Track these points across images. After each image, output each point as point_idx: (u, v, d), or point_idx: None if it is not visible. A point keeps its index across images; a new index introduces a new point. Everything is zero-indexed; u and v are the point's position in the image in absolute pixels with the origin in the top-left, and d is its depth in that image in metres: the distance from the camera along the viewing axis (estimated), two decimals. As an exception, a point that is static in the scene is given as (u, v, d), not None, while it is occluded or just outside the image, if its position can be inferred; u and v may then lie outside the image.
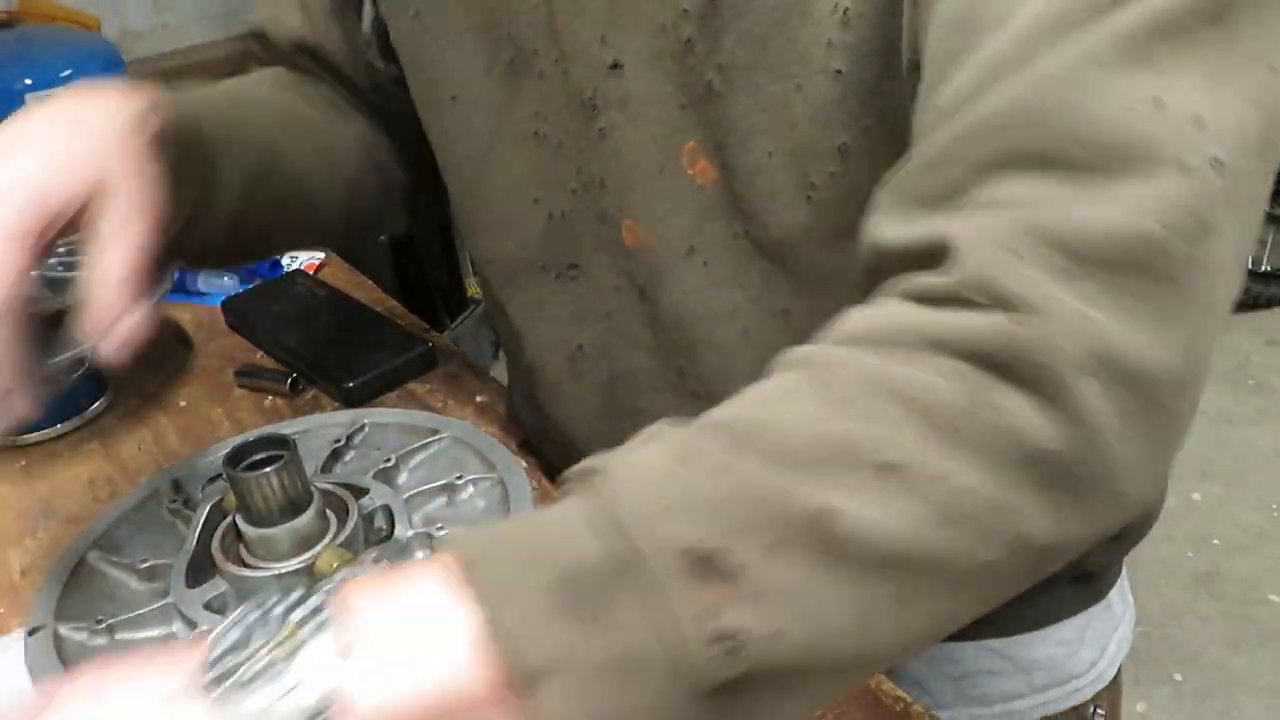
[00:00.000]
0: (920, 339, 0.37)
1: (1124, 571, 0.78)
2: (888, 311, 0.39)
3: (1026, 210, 0.36)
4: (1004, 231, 0.36)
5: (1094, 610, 0.74)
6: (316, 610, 0.37)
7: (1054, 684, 0.74)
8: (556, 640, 0.34)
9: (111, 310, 0.53)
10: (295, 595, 0.38)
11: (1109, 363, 0.35)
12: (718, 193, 0.58)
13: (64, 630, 0.62)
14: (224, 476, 0.64)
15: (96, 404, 0.97)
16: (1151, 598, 2.09)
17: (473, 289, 2.93)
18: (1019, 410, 0.35)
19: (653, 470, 0.37)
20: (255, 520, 0.62)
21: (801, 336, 0.42)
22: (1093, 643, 0.74)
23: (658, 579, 0.34)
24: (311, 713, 0.34)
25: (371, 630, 0.36)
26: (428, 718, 0.35)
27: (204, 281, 1.17)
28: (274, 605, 0.38)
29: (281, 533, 0.62)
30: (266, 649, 0.36)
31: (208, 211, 0.64)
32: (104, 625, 0.62)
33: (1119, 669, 0.79)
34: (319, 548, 0.63)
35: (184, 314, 1.15)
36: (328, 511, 0.66)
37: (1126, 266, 0.35)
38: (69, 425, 0.95)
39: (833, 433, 0.36)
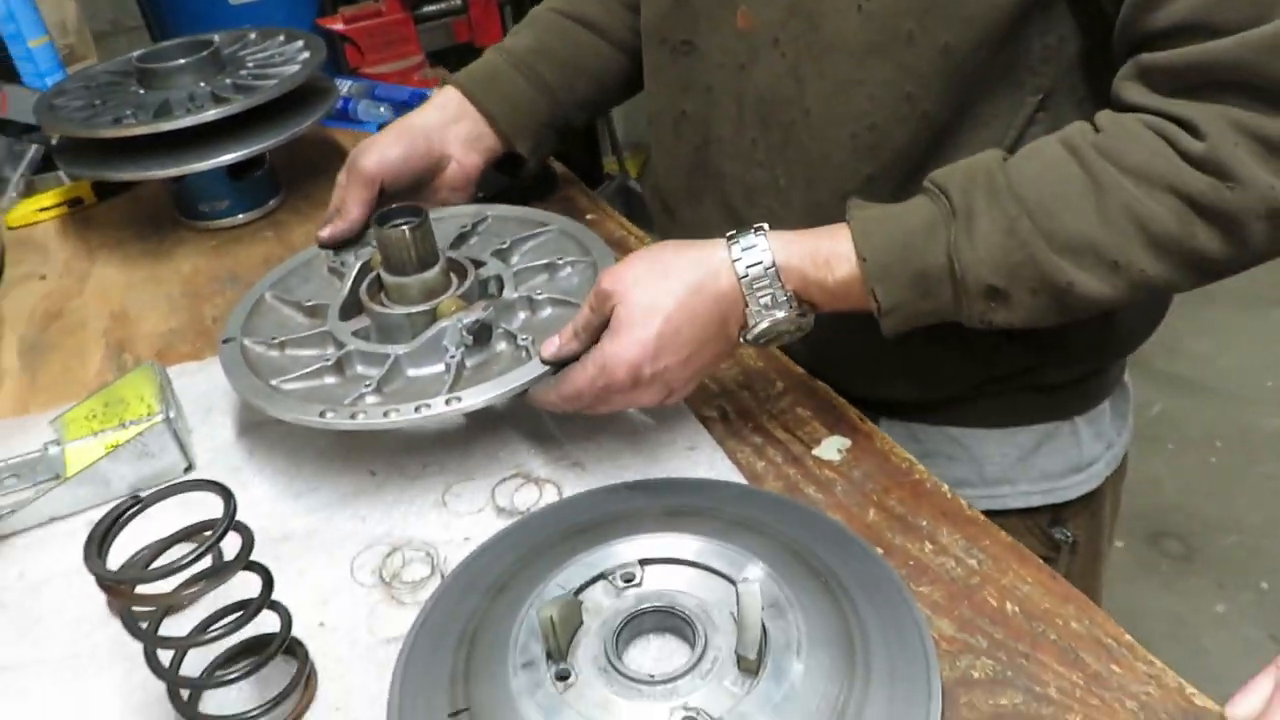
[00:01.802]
0: (1164, 183, 0.59)
1: (1107, 416, 0.84)
2: (1154, 151, 0.59)
3: (1246, 117, 0.57)
4: (1231, 125, 0.57)
5: (1052, 427, 0.82)
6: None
7: (1004, 481, 0.83)
8: (904, 300, 0.63)
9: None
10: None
11: (1275, 215, 0.57)
12: None
13: (248, 342, 0.78)
14: (371, 234, 0.79)
15: (272, 200, 1.15)
16: (1251, 509, 2.09)
17: (610, 165, 3.04)
18: (1209, 241, 0.59)
19: (986, 234, 0.61)
20: (393, 270, 0.77)
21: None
22: (1049, 457, 0.82)
23: (968, 294, 0.62)
24: (768, 266, 0.64)
25: (804, 280, 0.65)
26: (810, 289, 0.65)
27: (363, 111, 1.32)
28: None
29: (413, 282, 0.77)
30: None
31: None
32: (276, 342, 0.78)
33: (1101, 507, 0.87)
34: (442, 297, 0.77)
35: (346, 137, 1.31)
36: (451, 274, 0.80)
37: None
38: (250, 215, 1.13)
39: (1090, 235, 0.60)
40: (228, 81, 1.06)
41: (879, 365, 0.79)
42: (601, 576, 0.60)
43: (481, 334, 0.74)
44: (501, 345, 0.75)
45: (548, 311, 0.78)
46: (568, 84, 0.95)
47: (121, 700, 0.58)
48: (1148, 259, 0.60)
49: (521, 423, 0.76)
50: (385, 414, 0.67)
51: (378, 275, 0.80)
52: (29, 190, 1.27)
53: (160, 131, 0.99)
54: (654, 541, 0.61)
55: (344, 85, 1.35)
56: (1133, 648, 0.55)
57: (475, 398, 0.68)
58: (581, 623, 0.57)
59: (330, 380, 0.74)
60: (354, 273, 0.82)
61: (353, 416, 0.68)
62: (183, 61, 1.08)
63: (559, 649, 0.55)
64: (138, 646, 0.54)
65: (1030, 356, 0.77)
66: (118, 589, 0.49)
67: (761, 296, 0.65)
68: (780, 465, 0.70)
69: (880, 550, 0.62)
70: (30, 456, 0.78)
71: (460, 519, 0.68)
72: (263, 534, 0.62)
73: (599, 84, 0.97)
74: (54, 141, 1.17)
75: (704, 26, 0.77)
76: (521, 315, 0.78)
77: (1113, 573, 2.05)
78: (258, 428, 0.79)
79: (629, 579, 0.59)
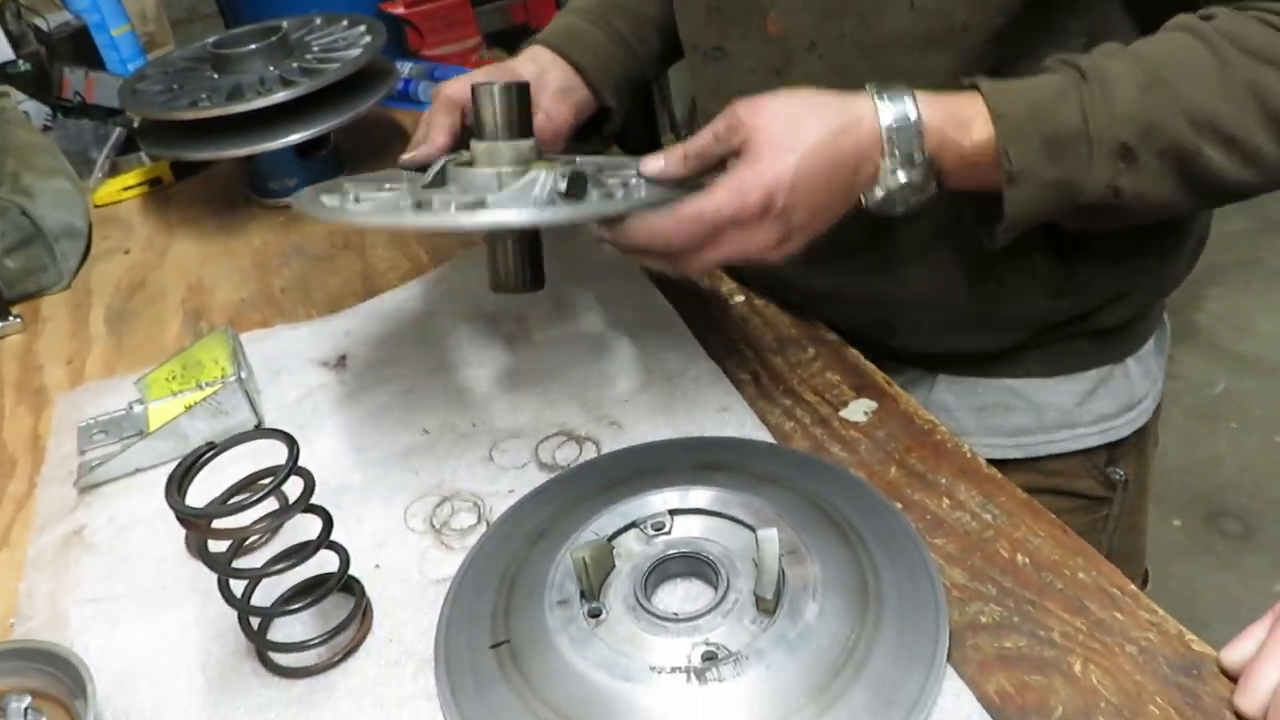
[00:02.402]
0: (1271, 54, 0.60)
1: (1152, 354, 0.87)
2: (1271, 38, 0.61)
3: None
4: None
5: (1106, 371, 0.84)
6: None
7: (1063, 426, 0.85)
8: (1033, 165, 0.62)
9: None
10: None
11: None
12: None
13: (324, 198, 0.69)
14: (471, 96, 0.71)
15: (340, 177, 1.21)
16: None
17: (668, 143, 3.07)
18: None
19: (1121, 91, 0.61)
20: (484, 135, 0.69)
21: None
22: (1104, 399, 0.85)
23: (1101, 154, 0.62)
24: (913, 119, 0.62)
25: (940, 140, 0.63)
26: (945, 151, 0.63)
27: (423, 92, 1.38)
28: None
29: (505, 147, 0.69)
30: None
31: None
32: (351, 195, 0.69)
33: (1148, 443, 0.89)
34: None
35: (406, 118, 1.37)
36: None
37: None
38: (316, 193, 1.19)
39: (1215, 110, 0.61)
40: (295, 65, 1.12)
41: (943, 317, 0.82)
42: (633, 525, 0.64)
43: (576, 184, 0.67)
44: (594, 197, 0.68)
45: (644, 191, 0.69)
46: (640, 35, 0.95)
47: (199, 630, 0.65)
48: (1264, 135, 0.61)
49: (567, 385, 0.81)
50: (462, 208, 0.63)
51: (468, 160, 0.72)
52: (114, 171, 1.35)
53: (232, 114, 1.05)
54: (683, 494, 0.65)
55: (404, 67, 1.41)
56: (1136, 596, 0.58)
57: (561, 213, 0.64)
58: (614, 566, 0.62)
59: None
60: (439, 164, 0.73)
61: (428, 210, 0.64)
62: (253, 47, 1.14)
63: (591, 589, 0.59)
64: (213, 583, 0.60)
65: (1087, 300, 0.80)
66: (194, 523, 0.55)
67: (899, 152, 0.63)
68: (808, 426, 0.74)
69: (899, 505, 0.65)
70: (117, 414, 0.85)
71: (506, 473, 0.73)
72: (324, 485, 0.67)
73: (667, 35, 0.96)
74: (136, 124, 1.25)
75: (734, 33, 0.79)
76: (619, 190, 0.70)
77: (1169, 551, 2.05)
78: (323, 388, 0.85)
79: (659, 527, 0.64)
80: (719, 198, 0.62)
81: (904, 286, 0.80)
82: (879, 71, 0.70)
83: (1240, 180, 0.63)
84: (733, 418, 0.75)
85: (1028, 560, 0.61)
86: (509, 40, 1.81)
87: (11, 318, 1.04)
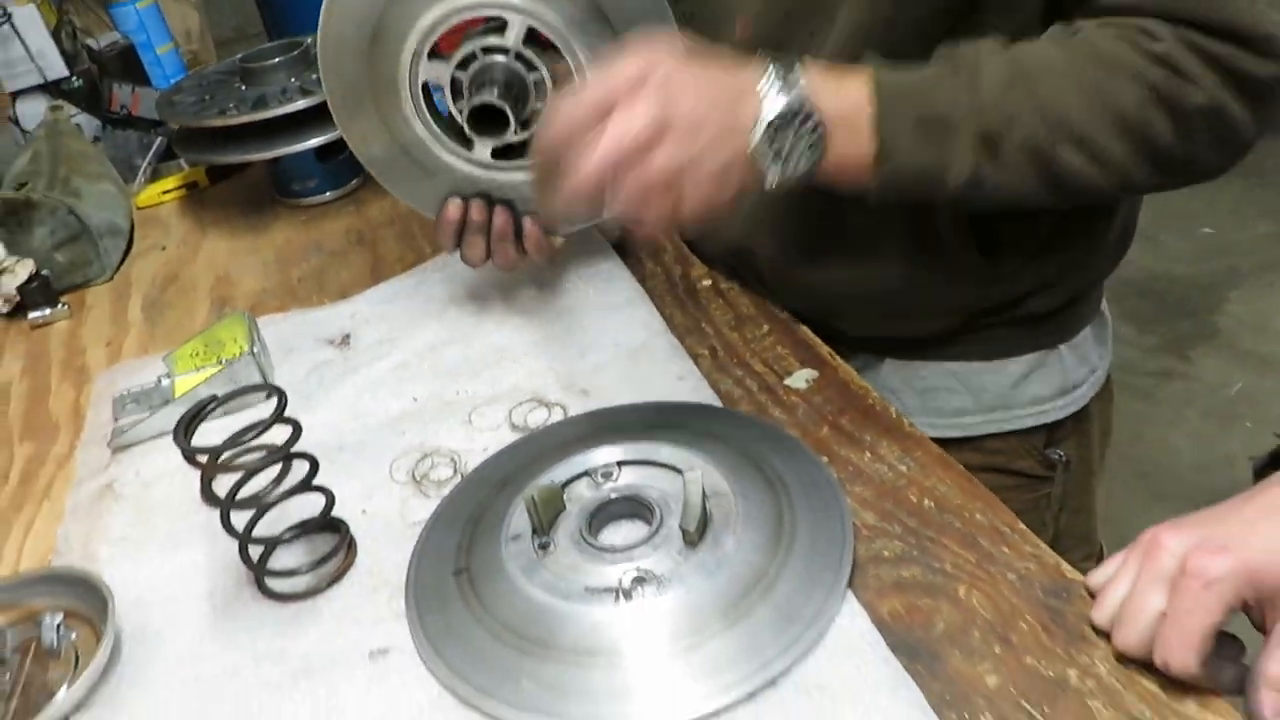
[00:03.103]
0: (1130, 71, 0.67)
1: (1090, 343, 0.92)
2: (1120, 47, 0.67)
3: (1192, 34, 0.66)
4: (1181, 39, 0.66)
5: (1039, 356, 0.90)
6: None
7: (999, 407, 0.91)
8: (903, 145, 0.68)
9: None
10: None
11: (1217, 116, 0.67)
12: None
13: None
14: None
15: (354, 180, 1.31)
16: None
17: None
18: (1163, 131, 0.67)
19: (986, 83, 0.67)
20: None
21: None
22: (1038, 383, 0.90)
23: (967, 137, 0.68)
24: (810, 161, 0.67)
25: (820, 84, 0.67)
26: (823, 91, 0.66)
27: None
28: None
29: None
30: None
31: None
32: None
33: (1089, 427, 0.95)
34: None
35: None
36: None
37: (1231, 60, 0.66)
38: (335, 193, 1.30)
39: (1068, 110, 0.67)
40: (314, 76, 1.23)
41: (880, 304, 0.89)
42: (585, 474, 0.72)
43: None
44: None
45: None
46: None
47: (208, 565, 0.74)
48: (1110, 137, 0.67)
49: (543, 358, 0.89)
50: None
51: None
52: (155, 176, 1.47)
53: (257, 120, 1.16)
54: (633, 448, 0.73)
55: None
56: (1024, 534, 0.65)
57: None
58: (564, 508, 0.70)
59: None
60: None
61: None
62: (277, 60, 1.25)
63: (541, 525, 0.67)
64: (222, 529, 0.69)
65: (1013, 288, 0.86)
66: (196, 459, 0.64)
67: (777, 71, 0.66)
68: (755, 393, 0.81)
69: (825, 459, 0.73)
70: (147, 387, 0.95)
71: (481, 434, 0.82)
72: (323, 445, 0.77)
73: None
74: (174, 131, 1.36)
75: (707, 38, 0.85)
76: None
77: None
78: (328, 364, 0.94)
79: (607, 475, 0.72)
80: (593, 79, 0.65)
81: (849, 274, 0.87)
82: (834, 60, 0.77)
83: (1092, 179, 0.69)
84: (687, 385, 0.83)
85: (933, 504, 0.68)
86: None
87: (60, 305, 1.15)
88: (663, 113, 0.62)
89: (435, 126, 0.88)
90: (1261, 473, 0.58)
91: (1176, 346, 2.60)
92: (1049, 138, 0.67)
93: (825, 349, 0.85)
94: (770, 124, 0.65)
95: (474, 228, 0.88)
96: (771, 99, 0.65)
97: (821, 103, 0.66)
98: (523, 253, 0.91)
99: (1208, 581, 0.50)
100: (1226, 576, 0.50)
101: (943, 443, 0.74)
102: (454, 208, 0.88)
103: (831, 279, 0.89)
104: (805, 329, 0.88)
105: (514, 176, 0.89)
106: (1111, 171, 0.69)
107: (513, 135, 0.85)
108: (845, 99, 0.68)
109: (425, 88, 0.87)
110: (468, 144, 0.88)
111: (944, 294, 0.86)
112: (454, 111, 0.86)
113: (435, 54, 0.85)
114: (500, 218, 0.88)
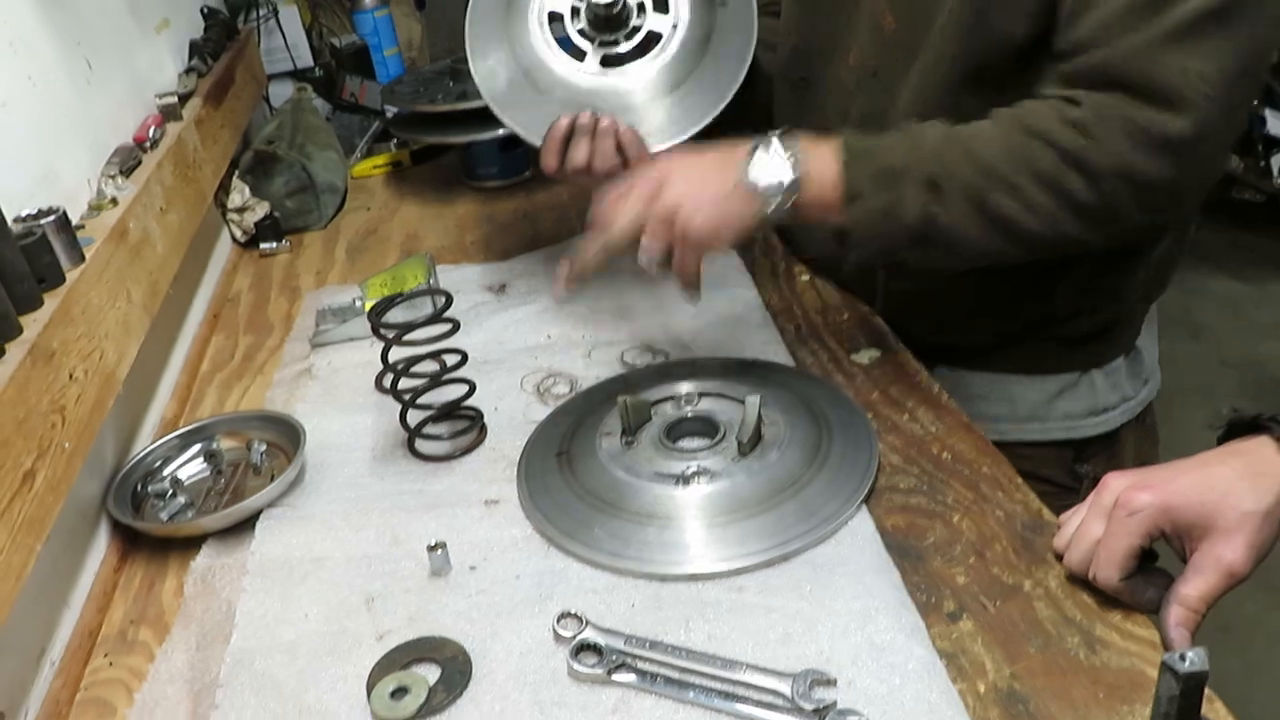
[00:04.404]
0: (1046, 136, 0.78)
1: (1123, 375, 1.02)
2: (1044, 115, 0.79)
3: (1123, 102, 0.77)
4: (1106, 105, 0.77)
5: (1072, 377, 1.01)
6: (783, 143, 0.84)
7: (1033, 419, 1.02)
8: (865, 190, 0.82)
9: None
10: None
11: (1127, 174, 0.77)
12: (896, 36, 0.95)
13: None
14: None
15: (526, 171, 1.54)
16: None
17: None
18: (1080, 189, 0.78)
19: (929, 140, 0.82)
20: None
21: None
22: (1070, 401, 1.01)
23: (913, 183, 0.81)
24: (790, 179, 0.82)
25: (808, 150, 0.83)
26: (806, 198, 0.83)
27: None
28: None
29: None
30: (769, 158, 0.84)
31: None
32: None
33: (1119, 450, 1.04)
34: None
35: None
36: None
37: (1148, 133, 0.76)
38: (509, 180, 1.53)
39: (995, 164, 0.79)
40: (509, 80, 1.46)
41: (948, 310, 1.02)
42: (671, 398, 0.90)
43: None
44: None
45: None
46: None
47: (375, 428, 0.95)
48: (1035, 189, 0.78)
49: (658, 317, 1.07)
50: None
51: None
52: (369, 153, 1.75)
53: (458, 110, 1.40)
54: (712, 384, 0.90)
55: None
56: (1020, 486, 0.78)
57: None
58: (650, 419, 0.87)
59: None
60: None
61: None
62: (481, 64, 1.49)
63: (629, 427, 0.85)
64: (388, 405, 0.90)
65: (1050, 310, 0.98)
66: (381, 334, 0.85)
67: (763, 142, 0.84)
68: (824, 362, 0.97)
69: (870, 415, 0.87)
70: (344, 305, 1.18)
71: (597, 365, 1.01)
72: (475, 361, 0.96)
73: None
74: (389, 117, 1.63)
75: (818, 65, 1.03)
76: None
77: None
78: (485, 304, 1.15)
79: (689, 400, 0.89)
80: (629, 183, 0.88)
81: (928, 282, 1.00)
82: (917, 95, 0.93)
83: (1031, 225, 0.80)
84: (770, 350, 0.99)
85: (950, 456, 0.82)
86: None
87: (284, 242, 1.42)
88: (668, 168, 0.86)
89: (555, 45, 1.09)
90: (1221, 443, 0.69)
91: None
92: (984, 184, 0.79)
93: (893, 336, 1.00)
94: (754, 148, 0.83)
95: (582, 130, 1.05)
96: (756, 161, 0.83)
97: (804, 162, 0.83)
98: (620, 156, 1.06)
99: (1131, 511, 0.63)
100: (1146, 508, 0.63)
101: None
102: (565, 119, 1.05)
103: (907, 287, 1.03)
104: (880, 320, 1.03)
105: (618, 83, 1.07)
106: (1044, 218, 0.79)
107: (621, 43, 1.05)
108: (821, 157, 0.83)
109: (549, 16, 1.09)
110: (580, 56, 1.08)
111: (1003, 306, 0.99)
112: (571, 33, 1.07)
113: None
114: (605, 119, 1.05)
